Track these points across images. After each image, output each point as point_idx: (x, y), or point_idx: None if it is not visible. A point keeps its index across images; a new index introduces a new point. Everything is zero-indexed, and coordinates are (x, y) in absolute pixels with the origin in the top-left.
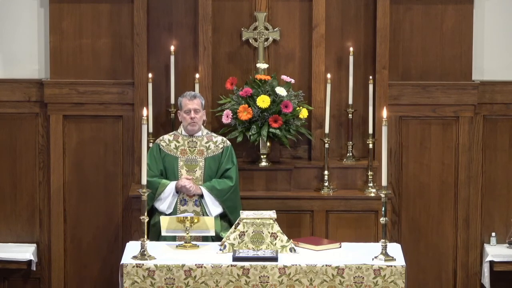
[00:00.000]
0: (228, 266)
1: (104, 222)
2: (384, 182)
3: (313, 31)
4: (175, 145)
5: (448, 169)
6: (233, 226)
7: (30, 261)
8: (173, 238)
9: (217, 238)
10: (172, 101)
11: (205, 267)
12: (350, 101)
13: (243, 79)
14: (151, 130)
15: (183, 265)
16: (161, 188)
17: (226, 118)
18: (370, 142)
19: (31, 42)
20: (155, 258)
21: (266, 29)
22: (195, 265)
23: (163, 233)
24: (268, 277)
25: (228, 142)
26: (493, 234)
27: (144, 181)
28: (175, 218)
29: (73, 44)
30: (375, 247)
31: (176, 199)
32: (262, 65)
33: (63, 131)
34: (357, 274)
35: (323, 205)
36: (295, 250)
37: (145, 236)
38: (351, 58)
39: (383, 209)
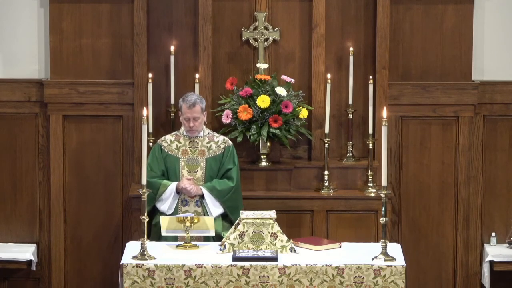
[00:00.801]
0: (228, 266)
1: (104, 222)
2: (384, 182)
3: (313, 31)
4: (177, 145)
5: (448, 169)
6: (233, 226)
7: (30, 261)
8: (175, 238)
9: (218, 238)
10: (172, 101)
11: (205, 267)
12: (350, 101)
13: (243, 79)
14: (151, 130)
15: (183, 265)
16: (162, 188)
17: (226, 118)
18: (370, 142)
19: (31, 42)
20: (155, 258)
21: (266, 29)
22: (195, 265)
23: (163, 233)
24: (268, 277)
25: (230, 142)
26: (493, 234)
27: (144, 181)
28: (175, 218)
29: (73, 44)
30: (375, 247)
31: (177, 200)
32: (262, 65)
33: (63, 131)
34: (357, 274)
35: (323, 205)
36: (295, 250)
37: (145, 236)
38: (351, 58)
39: (383, 209)
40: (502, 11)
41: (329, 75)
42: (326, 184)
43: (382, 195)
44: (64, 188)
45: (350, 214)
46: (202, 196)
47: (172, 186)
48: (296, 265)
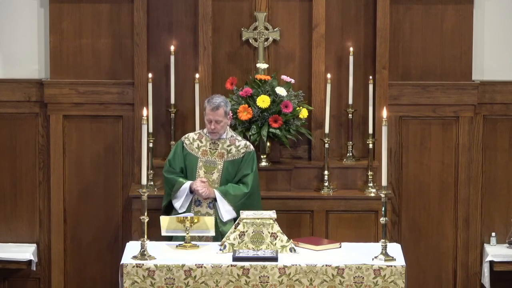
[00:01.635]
0: (228, 266)
1: (104, 222)
2: (384, 182)
3: (313, 31)
4: (198, 145)
5: (448, 169)
6: (233, 226)
7: (30, 261)
8: (183, 238)
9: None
10: (172, 101)
11: (205, 267)
12: (350, 101)
13: (243, 79)
14: (151, 130)
15: (183, 265)
16: (178, 186)
17: None
18: (370, 142)
19: (31, 42)
20: (155, 258)
21: (266, 29)
22: (195, 265)
23: (163, 233)
24: (268, 277)
25: (252, 147)
26: (493, 234)
27: (144, 181)
28: (175, 218)
29: (73, 44)
30: (375, 247)
31: (191, 199)
32: (262, 65)
33: (63, 131)
34: (357, 274)
35: (323, 205)
36: (295, 250)
37: (145, 236)
38: (351, 58)
39: (383, 209)
40: (502, 11)
41: (329, 75)
42: (326, 184)
43: (382, 195)
44: (64, 188)
45: (350, 214)
46: (215, 199)
47: (186, 185)
48: (296, 265)
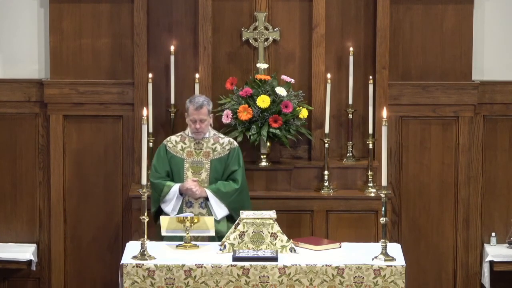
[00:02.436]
0: (228, 266)
1: (104, 222)
2: (384, 182)
3: (313, 31)
4: (182, 146)
5: (448, 169)
6: (233, 226)
7: (30, 261)
8: (180, 238)
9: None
10: (172, 101)
11: (205, 267)
12: (350, 101)
13: (243, 79)
14: (151, 130)
15: (183, 265)
16: (166, 189)
17: (226, 118)
18: (370, 142)
19: (31, 42)
20: (155, 258)
21: (266, 29)
22: (195, 265)
23: (163, 233)
24: (268, 277)
25: (236, 143)
26: (493, 234)
27: (144, 181)
28: (175, 218)
29: (73, 44)
30: (375, 247)
31: (181, 201)
32: (262, 65)
33: (63, 131)
34: (357, 274)
35: (323, 205)
36: (295, 250)
37: (145, 236)
38: (351, 58)
39: (383, 209)
40: (502, 11)
41: (329, 75)
42: (326, 184)
43: (382, 195)
44: (64, 188)
45: (350, 214)
46: (206, 198)
47: (175, 187)
48: (296, 265)
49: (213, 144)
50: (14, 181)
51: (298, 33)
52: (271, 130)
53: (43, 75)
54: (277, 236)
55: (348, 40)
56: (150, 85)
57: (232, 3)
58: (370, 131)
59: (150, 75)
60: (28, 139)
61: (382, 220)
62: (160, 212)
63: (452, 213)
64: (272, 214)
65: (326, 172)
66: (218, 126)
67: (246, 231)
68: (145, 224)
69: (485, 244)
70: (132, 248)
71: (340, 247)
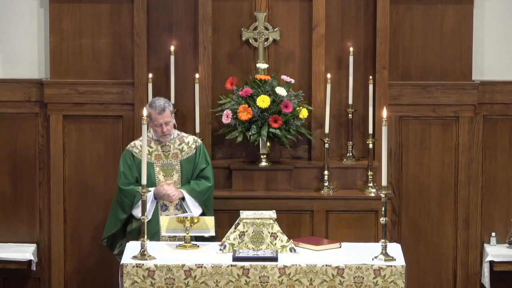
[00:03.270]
0: (228, 266)
1: (104, 222)
2: (384, 182)
3: (313, 31)
4: (149, 150)
5: (448, 169)
6: (233, 226)
7: (30, 261)
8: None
9: (201, 238)
10: (172, 101)
11: (205, 267)
12: (350, 101)
13: (243, 79)
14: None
15: (183, 265)
16: (139, 195)
17: (226, 118)
18: (370, 142)
19: (31, 42)
20: (155, 258)
21: (266, 29)
22: (195, 265)
23: (163, 233)
24: (268, 277)
25: (200, 141)
26: (493, 234)
27: (144, 181)
28: (175, 218)
29: (73, 44)
30: (375, 247)
31: (156, 205)
32: (262, 65)
33: (63, 131)
34: (357, 274)
35: (323, 205)
36: (295, 250)
37: (145, 236)
38: (351, 58)
39: (383, 209)
40: (502, 11)
41: (329, 75)
42: (326, 184)
43: (382, 195)
44: (64, 188)
45: (350, 214)
46: (181, 199)
47: (150, 193)
48: (296, 265)
49: (179, 145)
50: (14, 181)
51: (298, 33)
52: (271, 130)
53: (43, 75)
54: (277, 236)
55: (348, 40)
56: (150, 85)
57: (232, 3)
58: (370, 131)
59: (150, 75)
60: (28, 139)
61: (382, 220)
62: (129, 219)
63: (452, 213)
64: (272, 214)
65: (326, 172)
66: (218, 126)
67: (246, 231)
68: (145, 224)
69: (485, 244)
70: (132, 248)
71: (340, 247)
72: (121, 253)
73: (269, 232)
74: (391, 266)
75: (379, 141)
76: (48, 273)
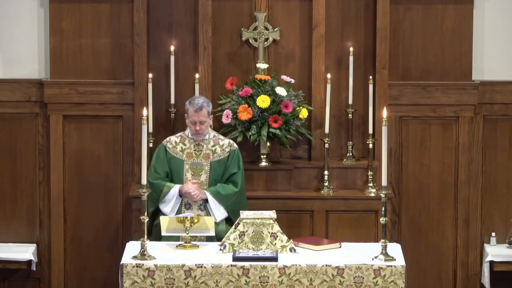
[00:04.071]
0: (228, 266)
1: (104, 222)
2: (384, 182)
3: (313, 31)
4: (182, 147)
5: (448, 169)
6: (233, 226)
7: (30, 261)
8: (176, 238)
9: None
10: (172, 101)
11: (205, 267)
12: (350, 101)
13: (243, 79)
14: (151, 130)
15: (183, 265)
16: (166, 190)
17: (226, 118)
18: (370, 142)
19: (31, 42)
20: (155, 258)
21: (266, 29)
22: (195, 265)
23: (163, 233)
24: (268, 277)
25: (235, 145)
26: (493, 234)
27: (144, 181)
28: (175, 218)
29: (73, 44)
30: (375, 247)
31: (180, 203)
32: (262, 65)
33: (63, 131)
34: (357, 274)
35: (323, 205)
36: (295, 250)
37: (145, 236)
38: (351, 58)
39: (383, 209)
40: (502, 11)
41: (329, 75)
42: (326, 184)
43: (382, 195)
44: (64, 188)
45: (350, 214)
46: (205, 200)
47: (175, 188)
48: (296, 265)
49: (213, 146)
50: (14, 181)
51: (298, 33)
52: (271, 130)
53: (43, 75)
54: (277, 236)
55: (348, 40)
56: (150, 85)
57: (232, 3)
58: (370, 131)
59: (150, 75)
60: (28, 139)
61: (382, 220)
62: (157, 213)
63: (452, 213)
64: (272, 214)
65: (326, 172)
66: (218, 126)
67: (246, 231)
68: (145, 224)
69: (485, 244)
70: (132, 248)
71: (340, 247)
72: None
73: (269, 232)
74: (391, 266)
75: (379, 141)
76: (48, 273)
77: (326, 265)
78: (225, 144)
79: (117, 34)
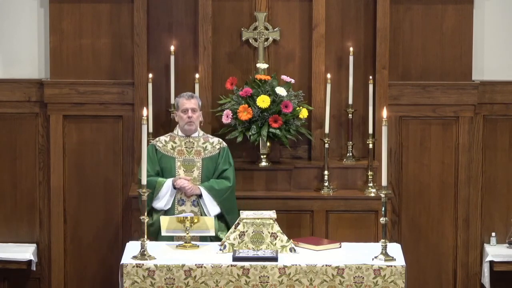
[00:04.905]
0: (228, 266)
1: (104, 222)
2: (384, 182)
3: (313, 31)
4: (172, 145)
5: (448, 169)
6: (233, 226)
7: (30, 261)
8: (171, 238)
9: (215, 238)
10: (172, 101)
11: (205, 267)
12: (350, 101)
13: (243, 79)
14: (151, 130)
15: (183, 265)
16: (158, 186)
17: (226, 118)
18: (370, 142)
19: (31, 42)
20: (155, 258)
21: (266, 29)
22: (195, 265)
23: (163, 233)
24: (268, 277)
25: (224, 143)
26: (493, 234)
27: (144, 181)
28: (175, 218)
29: (73, 44)
30: (375, 247)
31: (174, 198)
32: (262, 65)
33: (63, 131)
34: (357, 274)
35: (323, 205)
36: (295, 250)
37: (145, 236)
38: (351, 58)
39: (383, 209)
40: (502, 11)
41: (329, 75)
42: (326, 184)
43: (382, 195)
44: (64, 188)
45: (350, 214)
46: (199, 196)
47: (168, 182)
48: (296, 265)
49: (203, 143)
50: (14, 181)
51: (298, 33)
52: (271, 130)
53: (43, 75)
54: (277, 236)
55: (348, 40)
56: (150, 85)
57: (232, 3)
58: (370, 131)
59: (150, 75)
60: (28, 139)
61: (382, 220)
62: (151, 213)
63: (452, 213)
64: (272, 214)
65: (326, 172)
66: (218, 126)
67: (246, 231)
68: (145, 224)
69: (485, 244)
70: (132, 248)
71: (340, 247)
72: None
73: (269, 232)
74: (391, 266)
75: (379, 141)
76: (48, 273)
77: (326, 265)
78: (215, 142)
79: (117, 34)
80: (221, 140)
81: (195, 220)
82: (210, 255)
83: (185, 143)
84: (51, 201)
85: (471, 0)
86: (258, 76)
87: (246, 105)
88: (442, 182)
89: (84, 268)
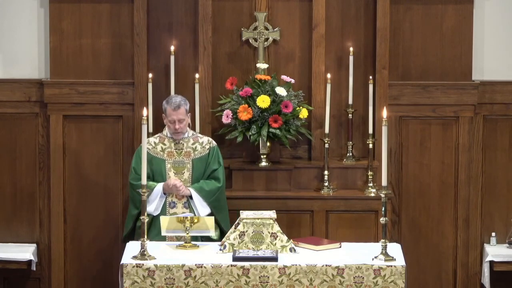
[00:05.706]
0: (228, 266)
1: (104, 222)
2: (384, 182)
3: (313, 31)
4: (162, 147)
5: (448, 169)
6: (233, 226)
7: (30, 261)
8: (164, 239)
9: (205, 237)
10: None
11: (205, 267)
12: (350, 101)
13: (243, 79)
14: (151, 130)
15: (183, 265)
16: (150, 189)
17: (226, 118)
18: (370, 142)
19: (31, 42)
20: (155, 258)
21: (266, 29)
22: (195, 265)
23: (163, 233)
24: (268, 277)
25: (214, 142)
26: (493, 234)
27: (144, 181)
28: (175, 218)
29: (73, 44)
30: (375, 247)
31: (164, 201)
32: (262, 65)
33: (63, 131)
34: (357, 274)
35: (323, 205)
36: (295, 250)
37: (145, 236)
38: (351, 58)
39: (383, 209)
40: (502, 11)
41: (329, 75)
42: (326, 184)
43: (382, 195)
44: (64, 188)
45: (350, 214)
46: (190, 197)
47: (159, 186)
48: (296, 265)
49: (193, 144)
50: (14, 181)
51: (298, 33)
52: (271, 130)
53: (43, 75)
54: (277, 236)
55: (348, 40)
56: (150, 85)
57: (232, 3)
58: (370, 131)
59: (150, 75)
60: (28, 139)
61: (382, 220)
62: (138, 214)
63: (452, 213)
64: (272, 214)
65: (326, 172)
66: (218, 126)
67: (246, 231)
68: (145, 224)
69: (485, 244)
70: (132, 248)
71: (340, 247)
72: None
73: (269, 232)
74: (391, 266)
75: (379, 141)
76: (48, 273)
77: (326, 265)
78: (204, 142)
79: (117, 34)
80: (210, 139)
81: (195, 220)
82: (210, 255)
83: (174, 144)
84: (51, 201)
85: (471, 0)
86: (258, 76)
87: (246, 105)
88: (442, 182)
89: (84, 268)
